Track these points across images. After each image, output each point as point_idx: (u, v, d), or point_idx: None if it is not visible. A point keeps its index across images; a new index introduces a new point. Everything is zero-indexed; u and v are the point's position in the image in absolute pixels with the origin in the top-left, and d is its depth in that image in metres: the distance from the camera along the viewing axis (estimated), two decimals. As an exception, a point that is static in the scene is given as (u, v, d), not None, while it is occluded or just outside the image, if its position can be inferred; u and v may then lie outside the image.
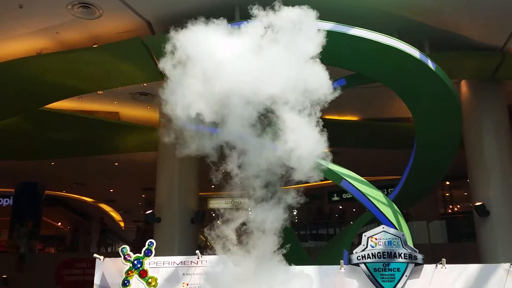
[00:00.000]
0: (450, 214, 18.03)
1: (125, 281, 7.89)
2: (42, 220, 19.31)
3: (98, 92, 12.85)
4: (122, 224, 23.10)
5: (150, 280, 7.90)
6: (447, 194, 19.31)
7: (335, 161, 8.86)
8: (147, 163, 15.68)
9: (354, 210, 18.22)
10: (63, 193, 21.06)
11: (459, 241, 14.40)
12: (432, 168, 9.91)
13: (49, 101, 12.66)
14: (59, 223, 21.03)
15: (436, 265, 7.33)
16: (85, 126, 14.42)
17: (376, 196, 8.39)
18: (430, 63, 8.35)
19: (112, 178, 18.39)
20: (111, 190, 20.48)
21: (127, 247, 8.15)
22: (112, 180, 18.79)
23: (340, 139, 13.47)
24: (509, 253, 9.52)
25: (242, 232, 7.85)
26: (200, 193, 15.69)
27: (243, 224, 6.29)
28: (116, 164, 17.34)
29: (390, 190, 11.65)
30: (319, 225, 19.18)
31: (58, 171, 17.59)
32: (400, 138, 13.16)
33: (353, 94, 10.23)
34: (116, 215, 23.07)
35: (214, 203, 22.15)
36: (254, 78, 4.76)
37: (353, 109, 14.54)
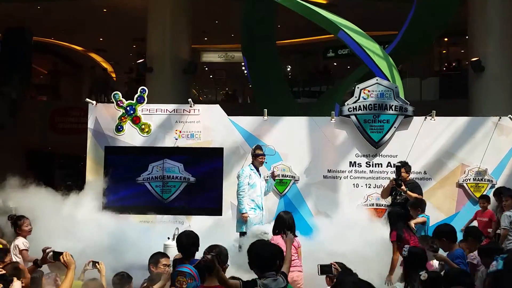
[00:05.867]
0: (445, 72, 17.91)
1: (119, 127, 7.98)
2: (32, 67, 19.03)
3: None
4: (113, 75, 22.82)
5: (143, 127, 8.00)
6: (444, 52, 19.04)
7: (333, 13, 8.52)
8: (137, 11, 15.06)
9: (348, 67, 18.04)
10: (52, 40, 20.50)
11: (450, 98, 14.48)
12: (433, 20, 9.63)
13: None
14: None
15: (425, 117, 7.43)
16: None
17: (372, 48, 8.23)
18: None
19: (101, 25, 17.77)
20: (101, 39, 19.95)
21: (119, 93, 8.13)
22: (101, 28, 18.18)
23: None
24: (499, 109, 9.63)
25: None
26: (192, 45, 15.35)
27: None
28: (104, 10, 16.67)
29: (386, 47, 11.42)
30: (313, 82, 19.15)
31: (45, 16, 16.93)
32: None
33: None
34: (107, 66, 22.74)
35: (207, 57, 21.84)
36: None
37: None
